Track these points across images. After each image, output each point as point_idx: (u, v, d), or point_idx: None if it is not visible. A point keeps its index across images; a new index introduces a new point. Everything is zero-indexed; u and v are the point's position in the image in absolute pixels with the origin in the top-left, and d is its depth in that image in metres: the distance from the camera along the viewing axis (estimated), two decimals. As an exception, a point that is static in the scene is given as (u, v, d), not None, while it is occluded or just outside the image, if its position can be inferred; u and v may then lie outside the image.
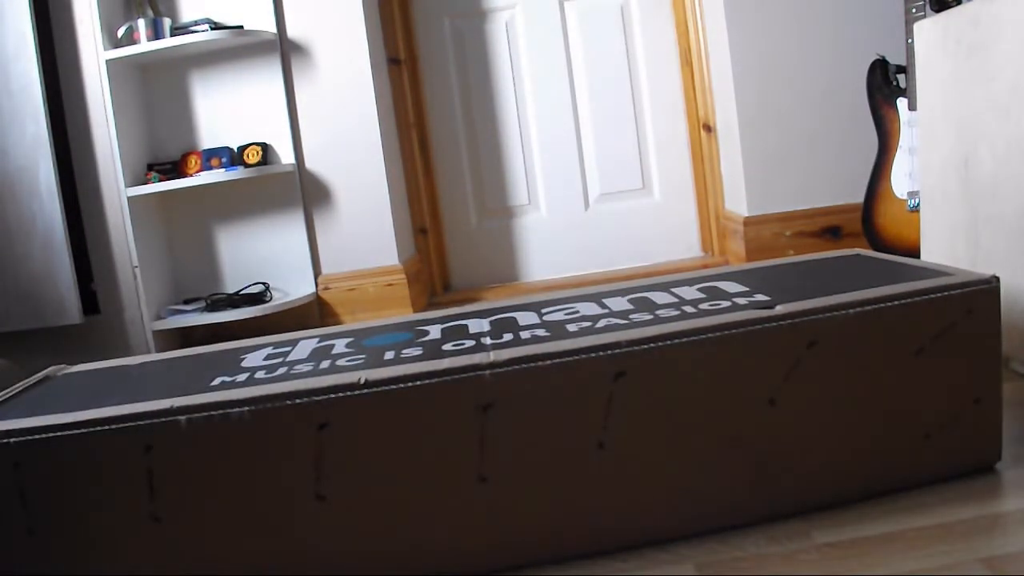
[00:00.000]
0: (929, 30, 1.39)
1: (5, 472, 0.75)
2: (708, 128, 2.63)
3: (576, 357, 0.75)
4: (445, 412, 0.75)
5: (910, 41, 1.74)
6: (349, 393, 0.73)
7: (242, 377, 0.82)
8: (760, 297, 0.86)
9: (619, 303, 0.94)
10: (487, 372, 0.73)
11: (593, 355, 0.75)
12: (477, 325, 0.92)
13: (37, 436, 0.75)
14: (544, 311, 0.95)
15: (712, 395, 0.78)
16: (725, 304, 0.85)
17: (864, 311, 0.80)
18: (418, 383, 0.73)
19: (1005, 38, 1.17)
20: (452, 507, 0.78)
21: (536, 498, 0.78)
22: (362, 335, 0.96)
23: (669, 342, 0.76)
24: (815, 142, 2.33)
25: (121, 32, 2.40)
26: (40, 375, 1.04)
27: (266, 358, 0.91)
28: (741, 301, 0.86)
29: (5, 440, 0.75)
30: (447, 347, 0.82)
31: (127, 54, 2.35)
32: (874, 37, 2.18)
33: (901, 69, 1.96)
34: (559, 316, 0.91)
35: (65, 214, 2.23)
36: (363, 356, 0.84)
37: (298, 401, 0.73)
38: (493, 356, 0.74)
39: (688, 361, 0.76)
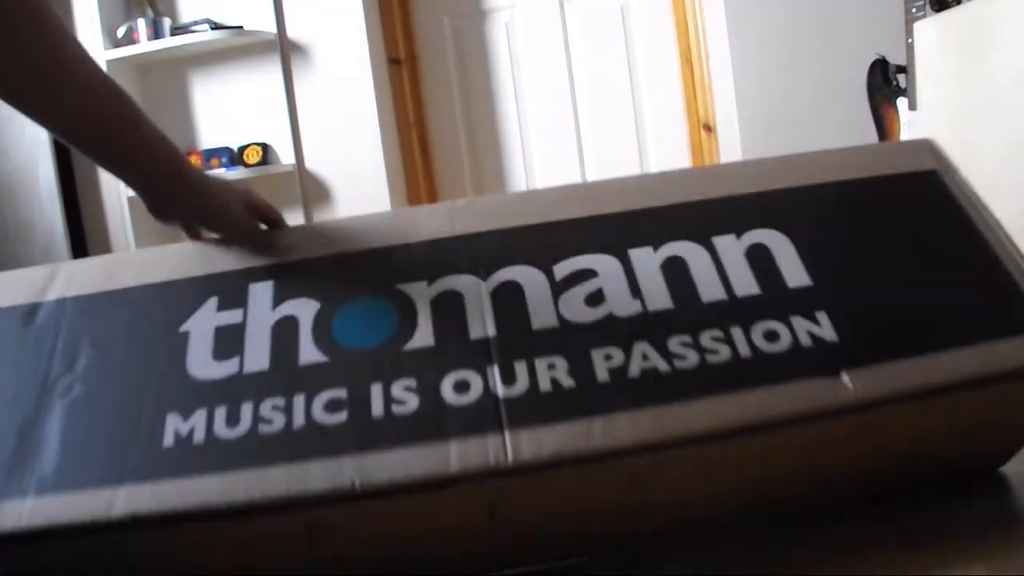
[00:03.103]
0: (929, 30, 1.40)
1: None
2: (708, 128, 2.63)
3: (601, 462, 0.63)
4: (453, 512, 0.65)
5: (910, 41, 1.74)
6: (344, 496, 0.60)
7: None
8: (823, 323, 0.68)
9: (648, 271, 0.71)
10: (504, 478, 0.59)
11: (624, 459, 0.64)
12: (475, 298, 0.70)
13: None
14: (556, 273, 0.71)
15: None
16: (783, 346, 0.67)
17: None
18: (423, 493, 0.61)
19: (1005, 38, 1.17)
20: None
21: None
22: (331, 306, 0.72)
23: (712, 443, 0.65)
24: (815, 142, 2.31)
25: (121, 32, 2.41)
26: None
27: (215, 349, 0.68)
28: (803, 338, 0.67)
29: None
30: (447, 395, 0.64)
31: (127, 54, 2.35)
32: (874, 37, 2.18)
33: (901, 69, 1.96)
34: (578, 296, 0.69)
35: (65, 214, 2.23)
36: (343, 388, 0.65)
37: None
38: (512, 455, 0.61)
39: (731, 452, 0.67)
